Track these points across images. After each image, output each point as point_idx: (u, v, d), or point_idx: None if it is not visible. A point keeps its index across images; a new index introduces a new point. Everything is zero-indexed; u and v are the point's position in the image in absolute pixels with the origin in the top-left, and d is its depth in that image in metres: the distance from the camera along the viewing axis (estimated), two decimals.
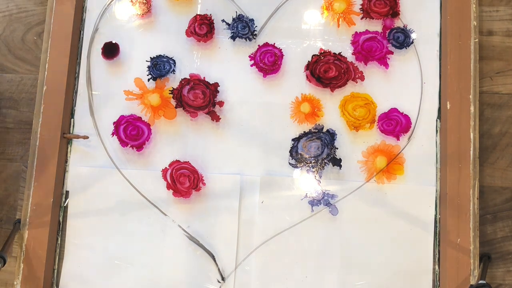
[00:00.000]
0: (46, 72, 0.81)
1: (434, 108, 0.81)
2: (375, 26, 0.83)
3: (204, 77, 0.83)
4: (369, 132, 0.81)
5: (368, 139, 0.81)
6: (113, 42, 0.83)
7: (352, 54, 0.82)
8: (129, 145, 0.81)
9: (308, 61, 0.82)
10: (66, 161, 0.82)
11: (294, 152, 0.81)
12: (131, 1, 0.85)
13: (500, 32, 0.83)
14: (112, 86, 0.83)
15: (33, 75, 0.85)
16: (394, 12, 0.83)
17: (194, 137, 0.81)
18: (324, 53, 0.82)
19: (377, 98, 0.81)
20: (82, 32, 0.85)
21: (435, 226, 0.78)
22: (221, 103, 0.82)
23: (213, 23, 0.84)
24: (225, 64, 0.83)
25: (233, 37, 0.83)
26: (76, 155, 0.82)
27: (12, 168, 0.83)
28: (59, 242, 0.80)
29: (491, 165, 0.80)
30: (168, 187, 0.80)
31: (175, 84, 0.82)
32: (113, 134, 0.82)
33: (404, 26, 0.83)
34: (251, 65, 0.83)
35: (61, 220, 0.81)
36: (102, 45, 0.84)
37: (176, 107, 0.82)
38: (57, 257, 0.80)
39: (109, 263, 0.80)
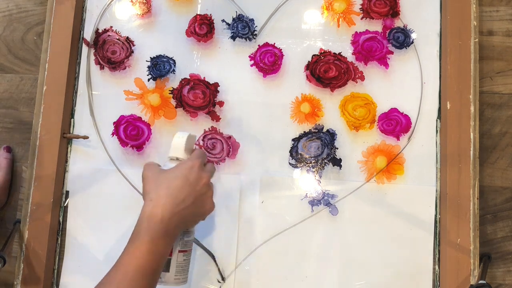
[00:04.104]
0: (46, 72, 0.81)
1: (434, 108, 0.81)
2: (375, 26, 0.83)
3: (204, 77, 0.83)
4: (369, 132, 0.81)
5: (368, 139, 0.81)
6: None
7: (352, 54, 0.82)
8: (129, 145, 0.81)
9: (308, 61, 0.82)
10: (66, 161, 0.82)
11: (294, 152, 0.81)
12: (131, 1, 0.85)
13: (500, 32, 0.83)
14: (112, 86, 0.83)
15: (33, 75, 0.85)
16: (394, 12, 0.83)
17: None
18: (324, 53, 0.82)
19: (377, 98, 0.81)
20: (82, 32, 0.85)
21: (435, 226, 0.78)
22: (221, 103, 0.82)
23: (213, 23, 0.84)
24: (225, 64, 0.83)
25: (233, 37, 0.83)
26: (76, 155, 0.82)
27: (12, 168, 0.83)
28: (59, 242, 0.80)
29: (491, 165, 0.80)
30: None
31: (175, 84, 0.82)
32: (113, 134, 0.82)
33: (404, 26, 0.83)
34: (251, 65, 0.83)
35: (61, 220, 0.81)
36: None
37: (176, 107, 0.82)
38: (57, 257, 0.80)
39: (109, 263, 0.79)
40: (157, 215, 0.59)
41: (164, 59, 0.83)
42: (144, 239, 0.57)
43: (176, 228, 0.61)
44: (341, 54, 0.82)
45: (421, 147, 0.80)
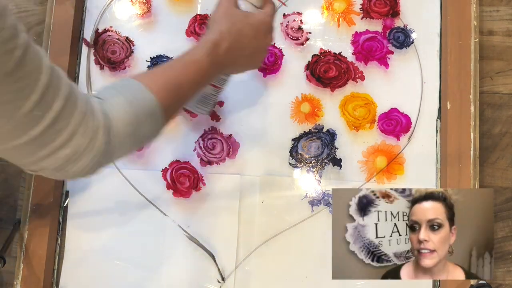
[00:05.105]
0: None
1: (434, 108, 0.81)
2: (375, 26, 0.83)
3: None
4: (369, 132, 0.81)
5: (368, 139, 0.81)
6: None
7: (352, 54, 0.82)
8: None
9: (308, 61, 0.82)
10: None
11: (294, 152, 0.81)
12: (131, 1, 0.85)
13: (500, 32, 0.83)
14: None
15: None
16: (394, 12, 0.83)
17: (194, 137, 0.81)
18: (324, 53, 0.82)
19: (377, 98, 0.81)
20: (82, 32, 0.85)
21: None
22: (221, 103, 0.82)
23: None
24: None
25: None
26: None
27: (12, 168, 0.83)
28: (59, 242, 0.80)
29: (491, 165, 0.80)
30: (168, 187, 0.80)
31: None
32: None
33: (404, 26, 0.83)
34: None
35: (61, 220, 0.81)
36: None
37: None
38: (57, 257, 0.80)
39: (109, 263, 0.79)
40: (221, 47, 0.62)
41: (164, 59, 0.83)
42: (204, 59, 0.60)
43: (227, 67, 0.65)
44: (341, 54, 0.82)
45: (421, 147, 0.80)
